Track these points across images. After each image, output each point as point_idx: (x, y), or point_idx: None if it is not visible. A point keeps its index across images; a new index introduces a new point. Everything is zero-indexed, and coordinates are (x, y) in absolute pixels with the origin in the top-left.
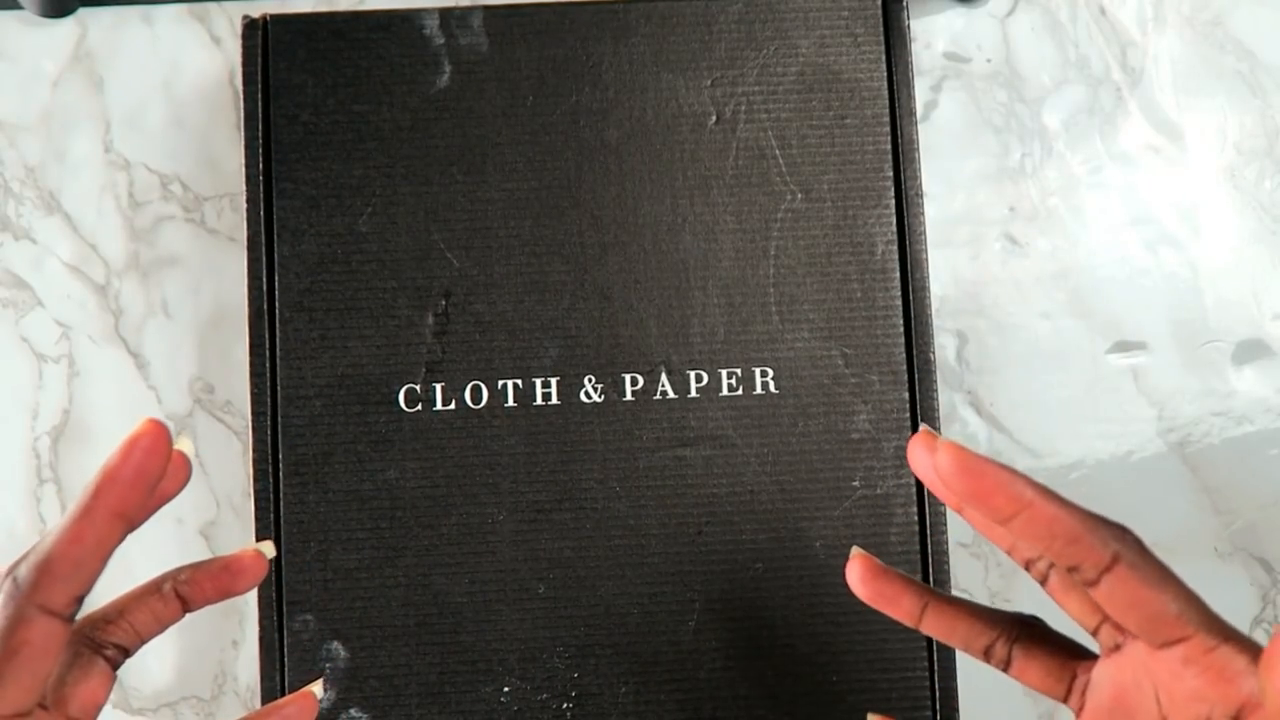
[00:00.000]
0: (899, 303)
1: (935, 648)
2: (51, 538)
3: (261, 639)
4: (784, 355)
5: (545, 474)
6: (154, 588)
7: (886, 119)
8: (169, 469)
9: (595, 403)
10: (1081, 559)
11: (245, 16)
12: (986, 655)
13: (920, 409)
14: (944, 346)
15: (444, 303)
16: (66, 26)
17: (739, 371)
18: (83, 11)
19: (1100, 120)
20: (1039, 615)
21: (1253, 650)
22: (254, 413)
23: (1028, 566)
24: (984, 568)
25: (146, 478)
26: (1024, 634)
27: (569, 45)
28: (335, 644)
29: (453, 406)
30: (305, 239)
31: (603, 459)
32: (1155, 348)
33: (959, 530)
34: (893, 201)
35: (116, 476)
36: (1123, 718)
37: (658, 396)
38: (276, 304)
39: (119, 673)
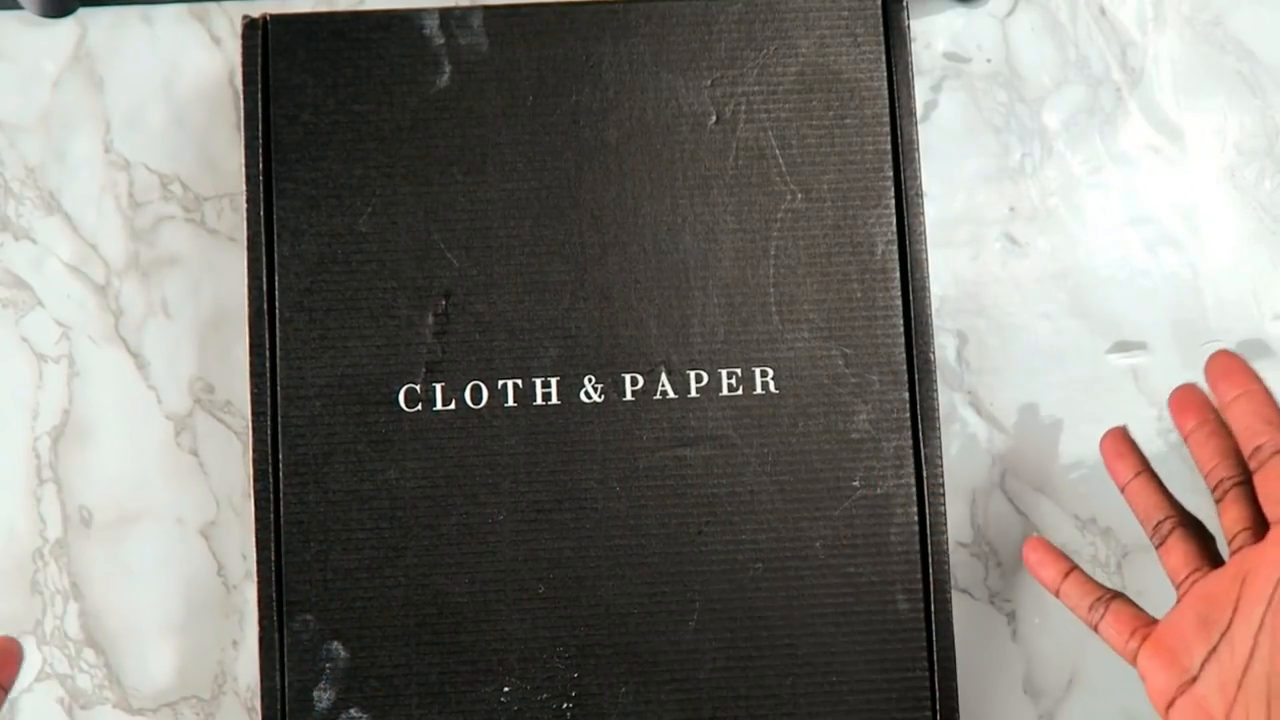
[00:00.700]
0: (899, 303)
1: (935, 647)
2: None
3: (261, 639)
4: (784, 355)
5: (545, 474)
6: None
7: (886, 119)
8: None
9: (595, 403)
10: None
11: (245, 16)
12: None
13: (920, 409)
14: (944, 346)
15: (444, 303)
16: (66, 26)
17: (739, 371)
18: (83, 11)
19: (1100, 120)
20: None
21: None
22: (254, 413)
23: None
24: (984, 568)
25: None
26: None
27: (569, 45)
28: (335, 644)
29: (453, 406)
30: (305, 239)
31: (603, 459)
32: (1155, 348)
33: (959, 530)
34: (893, 201)
35: None
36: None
37: (658, 396)
38: (276, 304)
39: (119, 672)
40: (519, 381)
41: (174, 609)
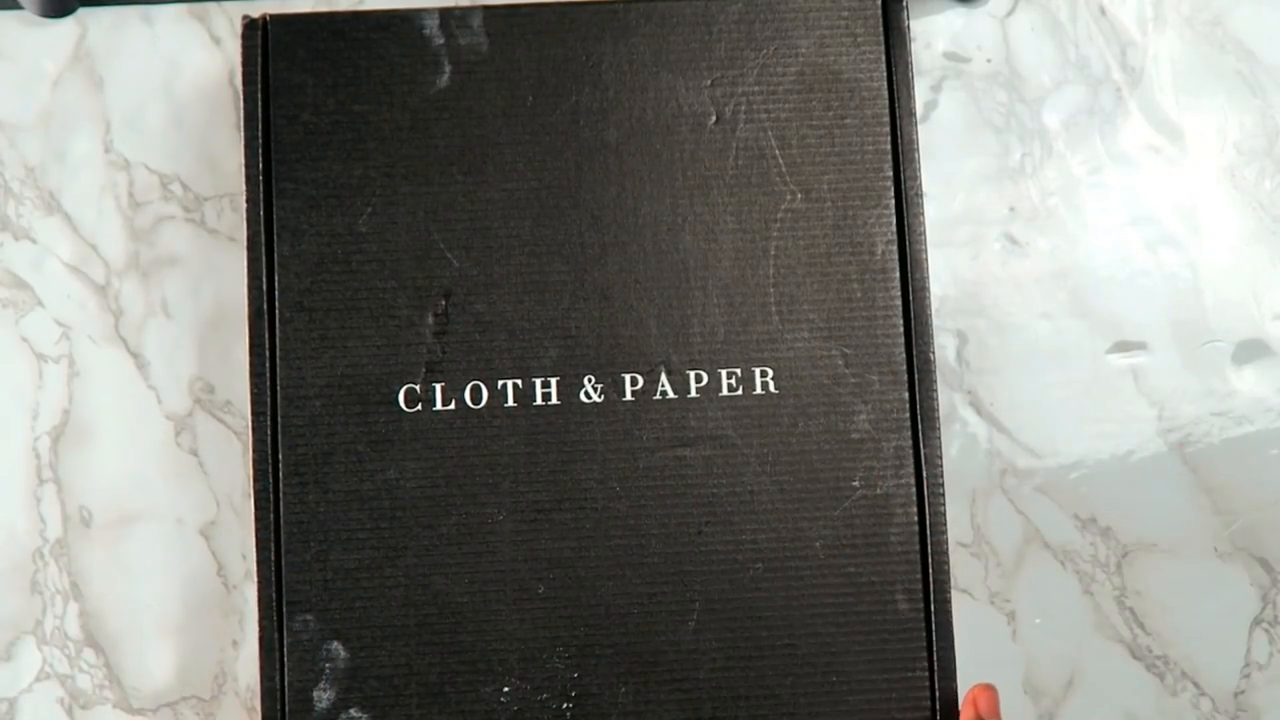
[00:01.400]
0: (899, 303)
1: (935, 648)
2: None
3: (262, 639)
4: (784, 355)
5: (545, 474)
6: None
7: (886, 119)
8: None
9: (595, 403)
10: None
11: (245, 16)
12: None
13: (920, 409)
14: (944, 346)
15: (444, 303)
16: (66, 26)
17: (739, 371)
18: (83, 11)
19: (1100, 120)
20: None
21: None
22: (254, 412)
23: None
24: (984, 568)
25: None
26: None
27: (569, 45)
28: (335, 644)
29: (453, 406)
30: (305, 239)
31: (602, 459)
32: (1155, 348)
33: (959, 530)
34: (893, 201)
35: None
36: None
37: (657, 396)
38: (276, 304)
39: (119, 672)
40: (519, 381)
41: (174, 609)
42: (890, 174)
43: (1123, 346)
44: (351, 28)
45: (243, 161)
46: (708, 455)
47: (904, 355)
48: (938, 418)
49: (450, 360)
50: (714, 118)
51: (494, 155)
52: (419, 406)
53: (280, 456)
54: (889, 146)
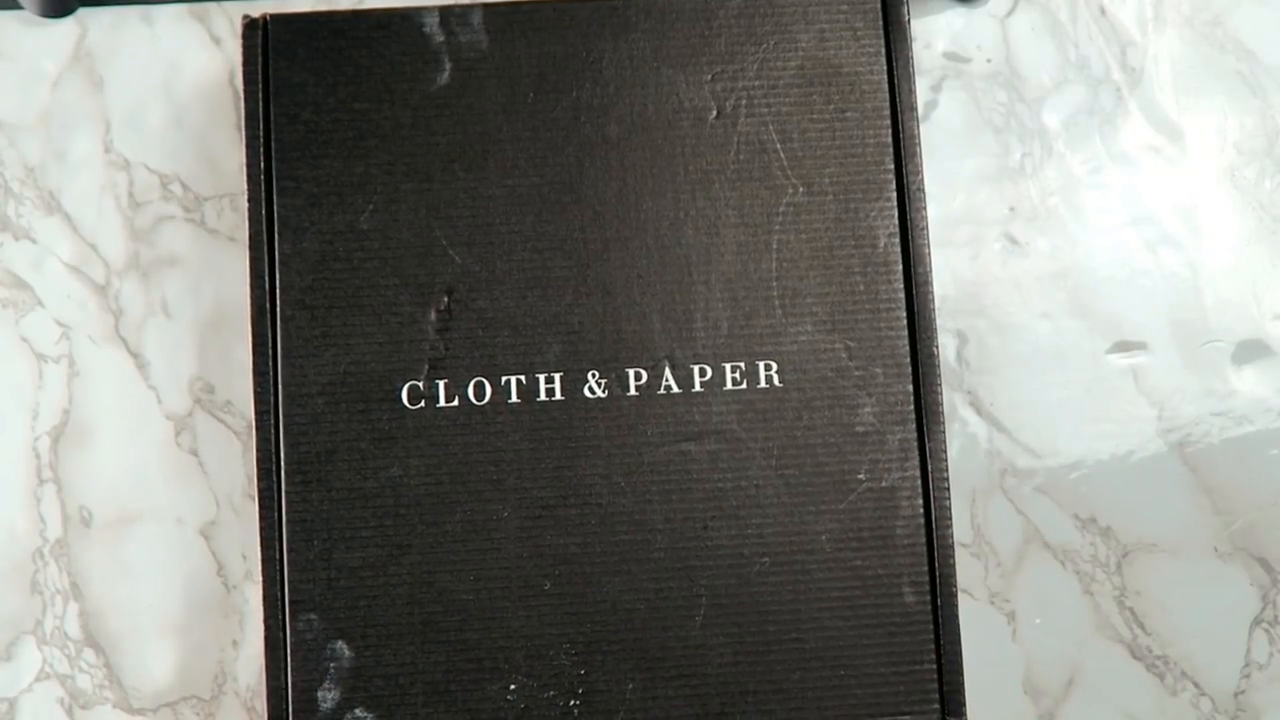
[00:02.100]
0: (902, 295)
1: (942, 641)
2: None
3: (267, 639)
4: (788, 348)
5: (549, 470)
6: None
7: (887, 112)
8: None
9: (599, 398)
10: None
11: (245, 16)
12: None
13: (924, 402)
14: (944, 346)
15: (446, 299)
16: (66, 26)
17: (743, 365)
18: (83, 11)
19: (1100, 120)
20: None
21: None
22: (257, 411)
23: None
24: (984, 568)
25: None
26: None
27: (569, 42)
28: (339, 643)
29: (456, 403)
30: (306, 237)
31: (607, 454)
32: (1155, 348)
33: (959, 530)
34: (895, 194)
35: None
36: None
37: (661, 391)
38: (278, 302)
39: (119, 672)
40: (522, 377)
41: (174, 609)
42: (892, 167)
43: (1123, 346)
44: (351, 26)
45: (244, 161)
46: (712, 449)
47: (908, 348)
48: (941, 411)
49: (453, 357)
50: (715, 112)
51: (495, 152)
52: (422, 403)
53: (282, 455)
54: (890, 140)
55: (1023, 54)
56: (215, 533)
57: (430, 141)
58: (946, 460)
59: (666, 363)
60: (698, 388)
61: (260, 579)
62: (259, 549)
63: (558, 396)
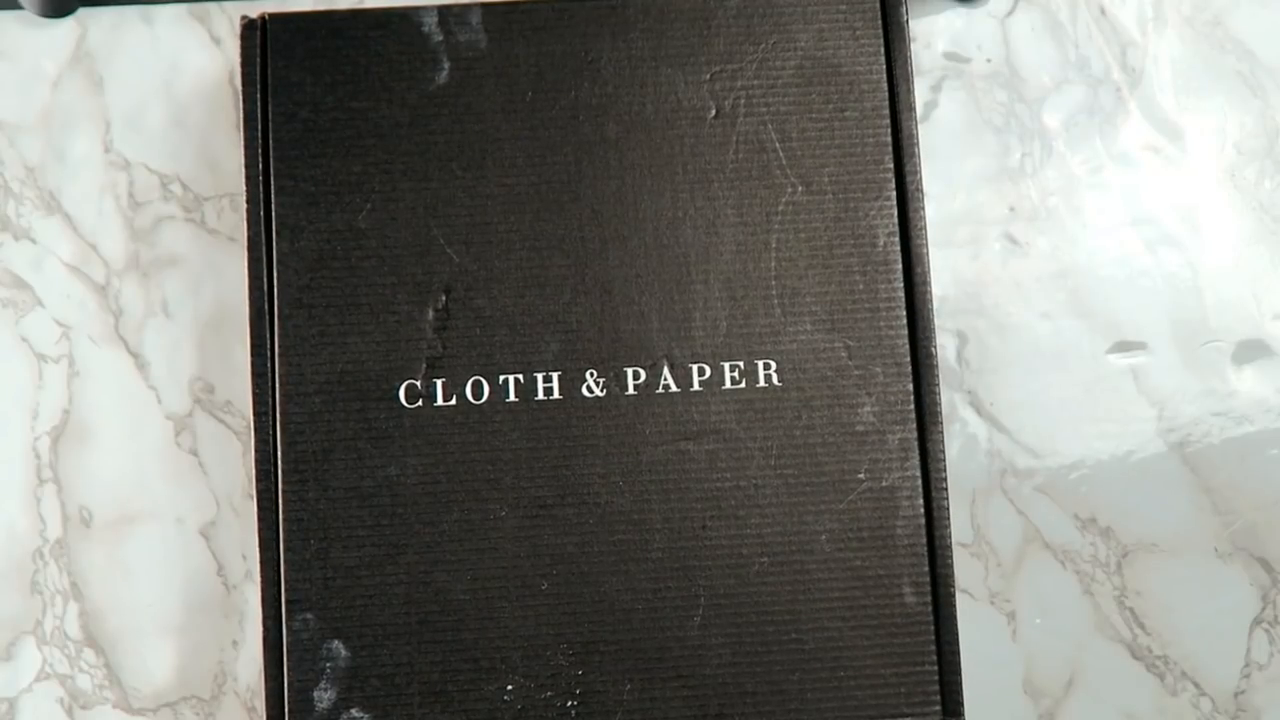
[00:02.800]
0: (902, 294)
1: (941, 641)
2: None
3: (265, 639)
4: (787, 347)
5: (547, 469)
6: None
7: (886, 111)
8: None
9: (597, 397)
10: None
11: (244, 16)
12: None
13: (923, 402)
14: (944, 346)
15: (444, 298)
16: (66, 26)
17: (741, 364)
18: (83, 11)
19: (1100, 120)
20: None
21: None
22: (256, 412)
23: None
24: (984, 568)
25: None
26: None
27: (568, 41)
28: (336, 643)
29: (453, 402)
30: (304, 236)
31: (605, 453)
32: (1155, 348)
33: (959, 530)
34: (894, 193)
35: None
36: None
37: (660, 390)
38: (275, 301)
39: (119, 672)
40: (520, 376)
41: (174, 609)
42: (891, 166)
43: (1123, 346)
44: (350, 26)
45: (243, 161)
46: (711, 449)
47: (908, 347)
48: (940, 411)
49: (451, 355)
50: (714, 111)
51: (493, 151)
52: (420, 402)
53: (280, 454)
54: (889, 139)
55: (1023, 54)
56: (215, 533)
57: (428, 140)
58: (945, 460)
59: (665, 362)
60: (696, 387)
61: (259, 579)
62: (257, 549)
63: (556, 395)
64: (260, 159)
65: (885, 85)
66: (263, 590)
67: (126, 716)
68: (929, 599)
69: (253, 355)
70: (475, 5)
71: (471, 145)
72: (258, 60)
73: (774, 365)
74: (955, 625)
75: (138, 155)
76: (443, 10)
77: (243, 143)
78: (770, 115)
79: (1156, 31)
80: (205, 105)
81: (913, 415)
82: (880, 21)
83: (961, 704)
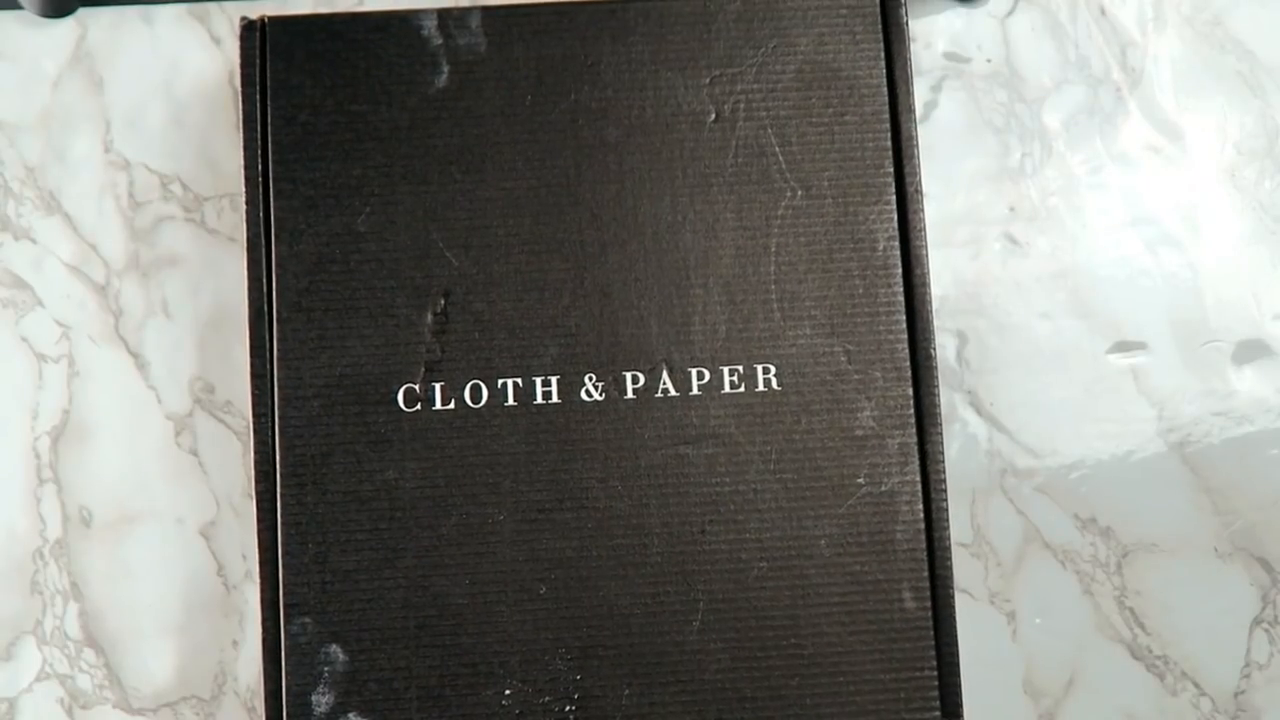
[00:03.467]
0: (901, 298)
1: (941, 645)
2: None
3: (264, 641)
4: (786, 352)
5: (546, 473)
6: None
7: (886, 115)
8: None
9: (596, 401)
10: None
11: (243, 18)
12: None
13: (921, 406)
14: (944, 346)
15: (443, 301)
16: (66, 26)
17: (741, 368)
18: (83, 11)
19: (1100, 120)
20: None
21: None
22: (255, 414)
23: None
24: (984, 567)
25: None
26: None
27: (567, 44)
28: (334, 647)
29: (452, 406)
30: (303, 239)
31: (604, 458)
32: (1155, 348)
33: (959, 530)
34: (894, 197)
35: None
36: None
37: (659, 394)
38: (274, 304)
39: (119, 672)
40: (519, 380)
41: (174, 609)
42: (891, 170)
43: (1123, 346)
44: (349, 29)
45: (242, 163)
46: (710, 453)
47: (907, 351)
48: (939, 414)
49: (449, 359)
50: (713, 115)
51: (493, 154)
52: (418, 406)
53: (278, 457)
54: (889, 143)
55: (1023, 54)
56: (215, 533)
57: (428, 144)
58: (944, 464)
59: (664, 366)
60: (695, 391)
61: (258, 581)
62: (257, 551)
63: (554, 400)
64: (259, 161)
65: (885, 89)
66: (262, 593)
67: (126, 716)
68: (928, 604)
69: (252, 358)
70: (475, 8)
71: (471, 149)
72: (257, 62)
73: (773, 369)
74: (954, 629)
75: (138, 155)
76: (442, 13)
77: (242, 145)
78: (770, 119)
79: (1156, 31)
80: (205, 105)
81: (913, 419)
82: (880, 25)
83: (960, 709)
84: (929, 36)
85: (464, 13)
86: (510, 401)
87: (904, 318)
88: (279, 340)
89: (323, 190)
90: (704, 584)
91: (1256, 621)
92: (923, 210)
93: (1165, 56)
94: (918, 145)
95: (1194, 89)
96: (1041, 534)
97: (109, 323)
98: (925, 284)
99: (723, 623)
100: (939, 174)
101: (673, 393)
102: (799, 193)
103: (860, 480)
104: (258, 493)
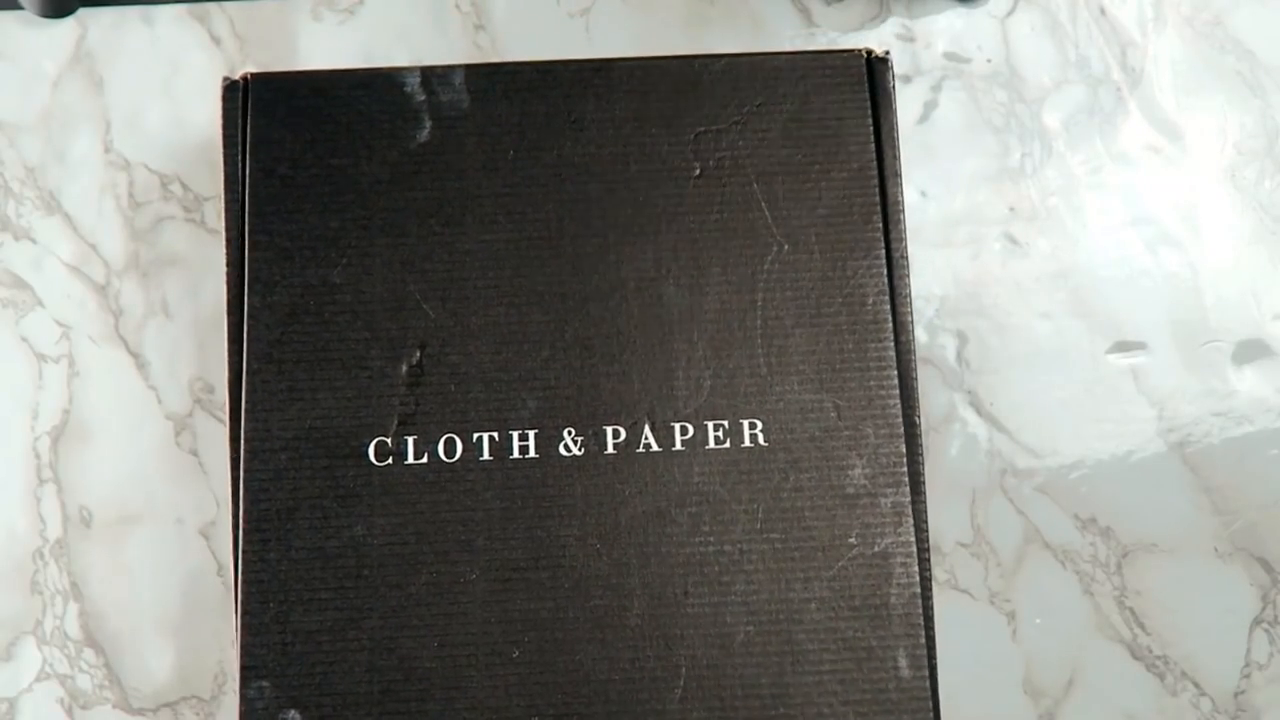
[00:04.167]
0: (892, 354)
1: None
2: None
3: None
4: (774, 406)
5: (521, 530)
6: None
7: (874, 172)
8: None
9: (575, 456)
10: None
11: (225, 78)
12: None
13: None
14: (944, 347)
15: (419, 354)
16: (66, 26)
17: (726, 423)
18: (83, 11)
19: (1100, 120)
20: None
21: None
22: (231, 474)
23: None
24: (984, 568)
25: None
26: None
27: (551, 101)
28: (293, 712)
29: (425, 460)
30: (276, 290)
31: (582, 515)
32: (1155, 348)
33: (959, 529)
34: (883, 253)
35: None
36: None
37: (640, 449)
38: (244, 355)
39: (119, 672)
40: (495, 434)
41: (174, 609)
42: (880, 226)
43: (1123, 346)
44: (332, 85)
45: (222, 225)
46: (694, 511)
47: (899, 407)
48: (922, 479)
49: (424, 412)
50: (698, 170)
51: (473, 207)
52: (389, 460)
53: (240, 513)
54: (877, 199)
55: (1023, 54)
56: (215, 533)
57: (408, 197)
58: (928, 531)
59: (646, 420)
60: (679, 446)
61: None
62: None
63: (532, 454)
64: (240, 221)
65: (872, 147)
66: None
67: (126, 716)
68: (925, 671)
69: (230, 420)
70: (458, 66)
71: (451, 202)
72: (239, 121)
73: (760, 425)
74: (937, 697)
75: (138, 155)
76: (426, 71)
77: (223, 206)
78: (755, 174)
79: (1156, 31)
80: (205, 105)
81: (905, 477)
82: (867, 84)
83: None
84: (929, 36)
85: (447, 70)
86: (485, 456)
87: (895, 373)
88: (247, 392)
89: (298, 242)
90: (686, 649)
91: (1256, 621)
92: (908, 276)
93: (1165, 56)
94: (904, 210)
95: (1194, 89)
96: (1041, 534)
97: (109, 323)
98: (910, 351)
99: (706, 691)
100: (939, 174)
101: (655, 448)
102: (785, 247)
103: (852, 540)
104: (233, 551)
